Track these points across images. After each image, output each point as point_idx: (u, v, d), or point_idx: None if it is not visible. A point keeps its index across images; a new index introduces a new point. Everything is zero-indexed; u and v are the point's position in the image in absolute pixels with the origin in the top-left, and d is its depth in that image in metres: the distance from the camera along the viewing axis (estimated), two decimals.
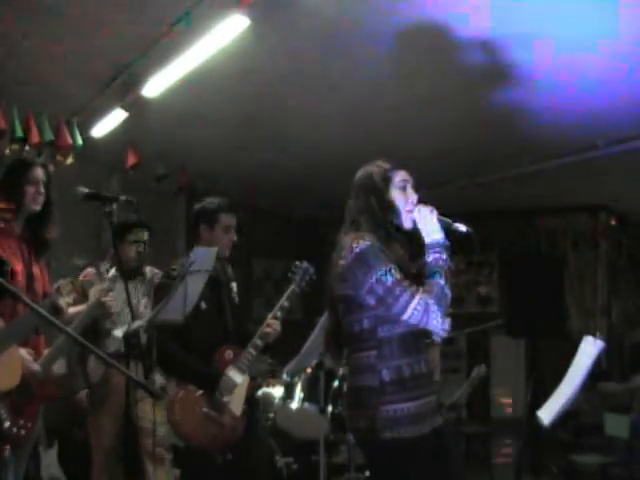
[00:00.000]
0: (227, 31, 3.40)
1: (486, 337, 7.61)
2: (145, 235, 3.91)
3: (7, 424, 2.64)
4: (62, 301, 2.76)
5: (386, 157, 2.53)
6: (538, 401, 3.00)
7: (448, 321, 2.38)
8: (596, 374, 3.10)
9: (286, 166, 5.87)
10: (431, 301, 2.25)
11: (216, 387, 3.09)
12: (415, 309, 2.23)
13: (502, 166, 5.78)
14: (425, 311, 2.23)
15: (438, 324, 2.26)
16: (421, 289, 2.27)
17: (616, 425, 5.14)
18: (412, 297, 2.24)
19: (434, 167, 5.49)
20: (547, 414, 2.86)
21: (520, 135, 5.07)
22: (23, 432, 2.70)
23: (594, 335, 2.95)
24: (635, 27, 3.41)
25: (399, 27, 3.55)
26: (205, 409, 3.07)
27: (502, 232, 7.92)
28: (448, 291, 2.30)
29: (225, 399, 3.09)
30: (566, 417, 3.19)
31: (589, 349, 2.89)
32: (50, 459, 4.16)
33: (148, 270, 3.99)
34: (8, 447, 2.65)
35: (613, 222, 7.91)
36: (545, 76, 4.06)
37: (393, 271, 2.27)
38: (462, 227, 2.42)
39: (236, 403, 3.11)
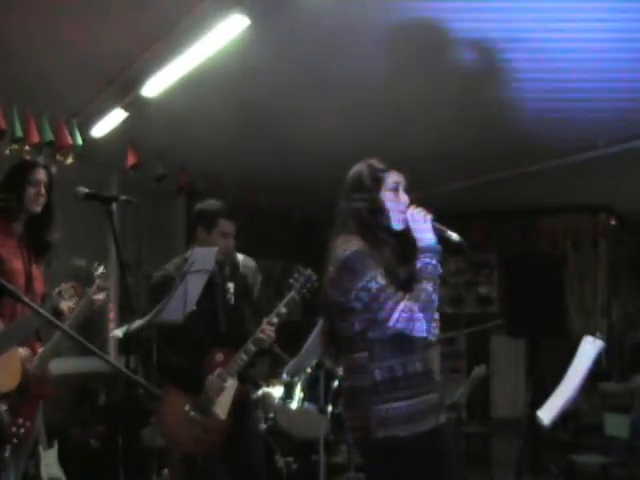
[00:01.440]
0: (227, 31, 3.40)
1: (486, 337, 7.63)
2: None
3: (7, 423, 2.64)
4: (64, 304, 2.75)
5: (386, 157, 2.52)
6: (538, 401, 3.00)
7: (436, 326, 2.37)
8: (596, 374, 3.09)
9: (286, 166, 5.87)
10: (416, 308, 2.24)
11: (201, 387, 3.04)
12: (400, 316, 2.23)
13: (502, 166, 5.79)
14: (410, 318, 2.23)
15: (423, 331, 2.25)
16: (407, 295, 2.26)
17: (616, 425, 5.14)
18: (397, 304, 2.23)
19: (434, 167, 5.50)
20: (547, 414, 2.86)
21: (520, 135, 5.07)
22: (23, 431, 2.70)
23: (594, 335, 2.95)
24: (635, 27, 3.42)
25: (398, 26, 3.55)
26: (191, 411, 3.03)
27: (502, 232, 7.94)
28: (435, 297, 2.29)
29: (211, 402, 3.04)
30: (566, 417, 3.19)
31: (589, 349, 2.89)
32: (50, 459, 4.16)
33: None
34: (8, 447, 2.66)
35: (613, 222, 7.92)
36: (545, 76, 4.06)
37: (379, 277, 2.26)
38: (454, 236, 2.37)
39: (222, 406, 3.07)
